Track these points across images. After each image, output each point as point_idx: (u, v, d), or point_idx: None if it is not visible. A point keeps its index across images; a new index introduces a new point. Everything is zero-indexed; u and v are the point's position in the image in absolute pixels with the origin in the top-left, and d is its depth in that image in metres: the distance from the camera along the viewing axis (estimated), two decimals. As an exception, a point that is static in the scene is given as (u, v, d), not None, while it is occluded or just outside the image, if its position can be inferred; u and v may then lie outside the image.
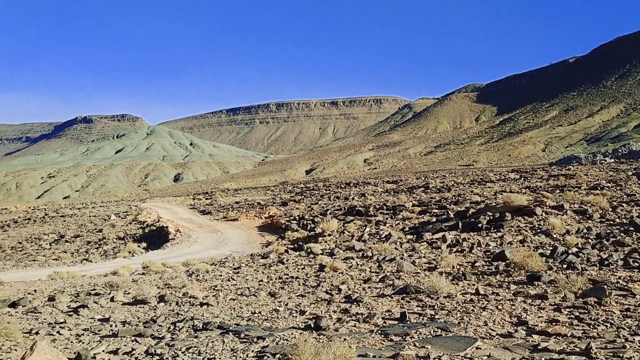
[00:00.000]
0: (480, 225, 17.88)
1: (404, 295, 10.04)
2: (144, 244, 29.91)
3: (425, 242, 17.26)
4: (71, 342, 7.65)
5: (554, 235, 15.59)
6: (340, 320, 8.47)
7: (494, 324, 7.77)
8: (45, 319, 9.33)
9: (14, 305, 10.62)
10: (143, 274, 16.59)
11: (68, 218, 48.72)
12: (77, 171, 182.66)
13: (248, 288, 12.06)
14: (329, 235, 22.89)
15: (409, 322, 8.08)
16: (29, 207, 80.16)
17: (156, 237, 32.86)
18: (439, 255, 14.43)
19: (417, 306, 9.25)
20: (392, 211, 26.80)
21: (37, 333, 8.02)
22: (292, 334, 7.49)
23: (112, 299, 10.79)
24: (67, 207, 71.09)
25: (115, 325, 8.60)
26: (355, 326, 8.07)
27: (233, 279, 13.74)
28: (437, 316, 8.40)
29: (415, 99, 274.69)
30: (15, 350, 7.08)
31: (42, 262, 26.90)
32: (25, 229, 43.79)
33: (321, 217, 29.30)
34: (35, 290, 13.31)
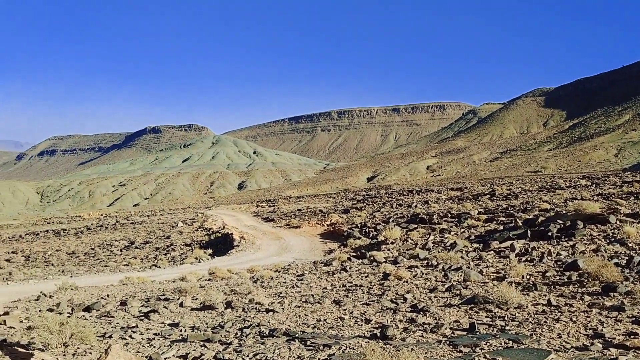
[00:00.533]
0: (550, 233, 17.25)
1: (472, 305, 9.79)
2: (209, 251, 30.57)
3: (492, 251, 16.80)
4: (143, 346, 7.87)
5: (630, 245, 14.85)
6: (406, 330, 8.34)
7: (569, 336, 7.45)
8: (118, 323, 9.65)
9: (88, 309, 11.05)
10: (210, 280, 16.93)
11: (138, 225, 50.41)
12: (146, 180, 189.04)
13: (312, 295, 12.08)
14: (392, 243, 22.67)
15: (478, 333, 7.86)
16: (101, 215, 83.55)
17: (221, 244, 33.50)
18: (508, 265, 14.00)
19: (486, 317, 8.99)
20: (456, 219, 26.29)
21: (110, 337, 8.31)
22: (358, 342, 7.43)
23: (181, 305, 11.06)
24: (136, 214, 73.61)
25: (185, 330, 8.79)
26: (422, 336, 7.93)
27: (297, 286, 13.80)
28: (507, 327, 8.13)
29: (480, 104, 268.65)
30: (90, 353, 7.35)
31: (114, 268, 27.92)
32: (98, 235, 45.62)
33: (383, 224, 29.07)
34: (107, 295, 13.80)
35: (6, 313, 10.27)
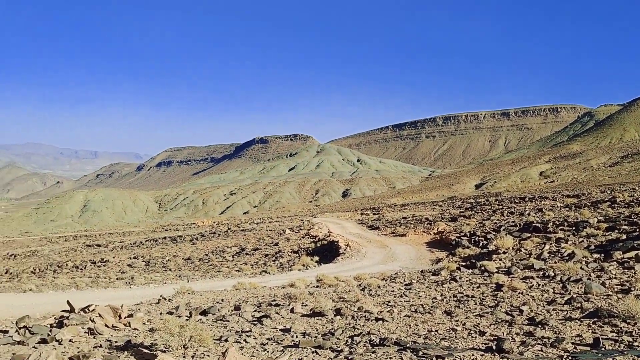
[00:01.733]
0: (682, 243, 15.84)
1: (595, 319, 9.14)
2: (316, 258, 30.94)
3: (615, 262, 15.66)
4: (257, 350, 8.06)
5: None
6: (524, 344, 7.93)
7: None
8: (232, 327, 9.96)
9: (204, 313, 11.51)
10: (318, 286, 17.11)
11: (248, 232, 52.11)
12: (255, 188, 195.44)
13: (422, 305, 11.84)
14: (504, 252, 21.80)
15: (603, 349, 7.32)
16: (214, 222, 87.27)
17: (327, 251, 33.80)
18: (633, 277, 12.98)
19: (611, 332, 8.36)
20: (574, 227, 24.83)
21: (226, 340, 8.57)
22: (473, 355, 7.16)
23: (291, 310, 11.23)
24: (246, 222, 76.19)
25: (296, 336, 8.90)
26: (541, 350, 7.50)
27: (405, 295, 13.59)
28: (636, 344, 7.51)
29: (597, 106, 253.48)
30: (208, 355, 7.62)
31: (226, 273, 29.00)
32: (211, 242, 47.64)
33: (494, 233, 28.05)
34: (222, 300, 14.32)
35: (130, 315, 10.92)
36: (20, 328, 9.93)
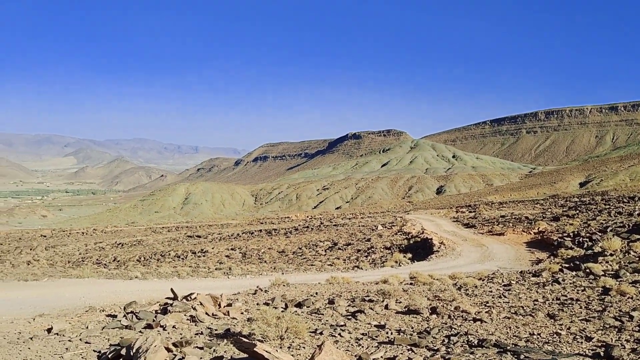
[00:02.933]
0: None
1: None
2: (409, 255, 30.57)
3: None
4: (351, 345, 8.05)
5: None
6: (635, 351, 7.41)
7: None
8: (327, 320, 10.02)
9: (299, 305, 11.66)
10: (411, 284, 16.87)
11: (340, 227, 52.37)
12: (347, 184, 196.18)
13: (522, 307, 11.36)
14: (611, 255, 20.51)
15: None
16: (307, 216, 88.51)
17: (420, 249, 33.29)
18: None
19: None
20: (691, 230, 22.97)
21: (321, 333, 8.63)
22: (579, 361, 6.77)
23: (386, 307, 11.14)
24: (339, 217, 76.65)
25: (391, 333, 8.81)
26: (657, 360, 6.97)
27: (504, 296, 13.10)
28: None
29: None
30: (304, 347, 7.70)
31: (319, 267, 29.29)
32: (304, 236, 48.31)
33: (600, 234, 26.48)
34: (316, 293, 14.46)
35: (229, 304, 11.27)
36: (127, 313, 10.51)
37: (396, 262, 28.41)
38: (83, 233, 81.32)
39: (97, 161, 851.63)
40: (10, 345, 9.11)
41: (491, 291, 14.19)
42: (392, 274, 20.16)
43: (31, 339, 9.45)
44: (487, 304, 11.95)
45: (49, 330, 9.87)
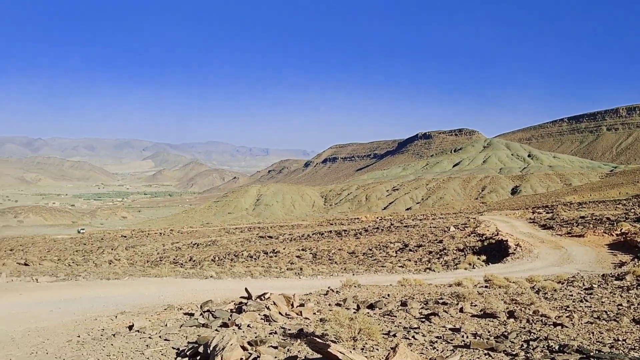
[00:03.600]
0: None
1: None
2: (483, 257, 29.85)
3: None
4: (426, 348, 7.91)
5: None
6: None
7: None
8: (400, 322, 9.91)
9: (371, 306, 11.60)
10: (487, 286, 16.45)
11: (411, 228, 51.84)
12: (418, 184, 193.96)
13: (606, 312, 10.83)
14: None
15: None
16: (377, 217, 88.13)
17: (495, 251, 32.46)
18: None
19: None
20: None
21: (394, 335, 8.54)
22: (671, 371, 6.37)
23: (460, 310, 10.90)
24: (409, 218, 75.89)
25: (467, 337, 8.60)
26: None
27: (586, 300, 12.54)
28: None
29: None
30: (377, 349, 7.64)
31: (390, 269, 29.09)
32: (374, 237, 48.14)
33: (691, 236, 24.95)
34: (388, 295, 14.34)
35: (301, 305, 11.35)
36: (204, 312, 10.79)
37: (470, 264, 27.82)
38: (161, 234, 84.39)
39: (174, 164, 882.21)
40: (94, 341, 9.55)
41: (571, 295, 13.62)
42: (465, 276, 19.74)
43: (114, 335, 9.87)
44: (568, 308, 11.47)
45: (130, 328, 10.27)
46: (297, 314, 10.49)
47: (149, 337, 9.28)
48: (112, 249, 60.57)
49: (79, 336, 10.23)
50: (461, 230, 44.37)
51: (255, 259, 41.75)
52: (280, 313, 10.27)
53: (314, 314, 10.81)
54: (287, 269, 31.52)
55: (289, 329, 9.01)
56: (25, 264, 37.07)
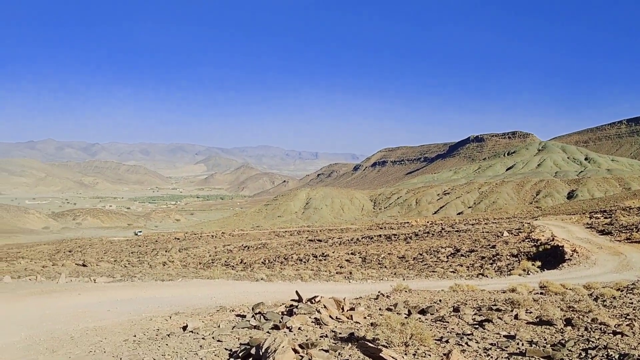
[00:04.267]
0: None
1: None
2: (538, 263, 29.07)
3: None
4: (479, 355, 7.76)
5: None
6: None
7: None
8: (452, 328, 9.75)
9: (423, 312, 11.46)
10: (542, 293, 16.01)
11: (462, 233, 51.02)
12: (470, 188, 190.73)
13: (670, 321, 10.37)
14: None
15: None
16: (427, 222, 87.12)
17: (551, 256, 31.56)
18: None
19: None
20: None
21: (447, 341, 8.41)
22: None
23: (515, 317, 10.64)
24: (461, 222, 74.69)
25: (522, 344, 8.39)
26: None
27: (648, 309, 12.04)
28: None
29: None
30: (429, 355, 7.54)
31: (441, 274, 28.69)
32: (425, 241, 47.58)
33: None
34: (440, 300, 14.15)
35: (352, 309, 11.33)
36: (256, 314, 10.91)
37: (524, 270, 27.15)
38: (212, 236, 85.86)
39: (225, 168, 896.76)
40: (149, 341, 9.80)
41: (631, 303, 13.10)
42: (520, 282, 19.27)
43: (168, 335, 10.10)
44: (628, 317, 11.04)
45: (184, 328, 10.48)
46: (348, 318, 10.47)
47: (202, 338, 9.46)
48: (165, 251, 62.01)
49: (135, 336, 10.52)
50: (515, 235, 43.34)
51: (304, 262, 41.93)
52: (330, 316, 10.27)
53: (365, 318, 10.77)
54: (337, 273, 31.53)
55: (340, 333, 9.00)
56: (84, 265, 38.37)
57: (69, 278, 24.08)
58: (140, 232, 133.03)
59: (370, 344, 6.62)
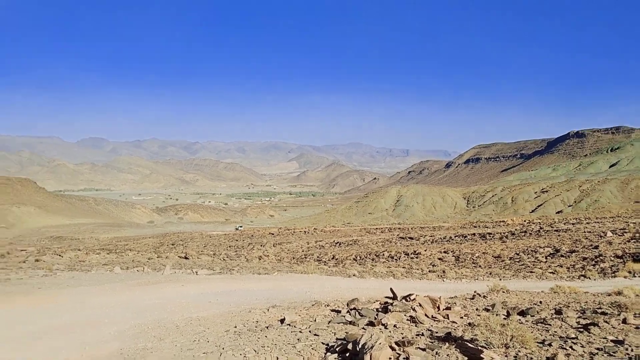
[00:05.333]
0: None
1: None
2: (647, 265, 27.33)
3: None
4: (585, 359, 7.46)
5: None
6: None
7: None
8: (555, 331, 9.39)
9: (522, 313, 11.11)
10: (653, 297, 15.07)
11: (562, 233, 48.83)
12: (570, 186, 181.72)
13: None
14: None
15: None
16: (524, 221, 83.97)
17: (660, 259, 29.55)
18: None
19: None
20: None
21: (550, 345, 8.11)
22: None
23: (623, 321, 10.09)
24: (560, 221, 71.40)
25: (631, 350, 7.95)
26: None
27: None
28: None
29: None
30: (532, 358, 7.33)
31: (539, 275, 27.63)
32: (522, 241, 45.94)
33: None
34: (540, 302, 13.65)
35: (448, 308, 11.19)
36: (351, 309, 11.04)
37: (630, 272, 25.61)
38: (305, 232, 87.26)
39: (316, 165, 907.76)
40: (249, 332, 10.18)
41: None
42: (626, 285, 18.20)
43: (267, 328, 10.45)
44: None
45: (282, 321, 10.79)
46: (444, 317, 10.36)
47: (300, 332, 9.71)
48: (261, 246, 63.76)
49: (235, 327, 10.97)
50: (620, 235, 40.90)
51: (396, 259, 41.69)
52: (426, 315, 10.21)
53: (461, 318, 10.61)
54: (429, 271, 31.12)
55: (436, 332, 8.93)
56: (186, 258, 40.23)
57: (173, 270, 25.40)
58: (241, 226, 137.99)
59: (469, 344, 6.54)
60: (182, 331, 10.93)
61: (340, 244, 60.66)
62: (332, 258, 46.10)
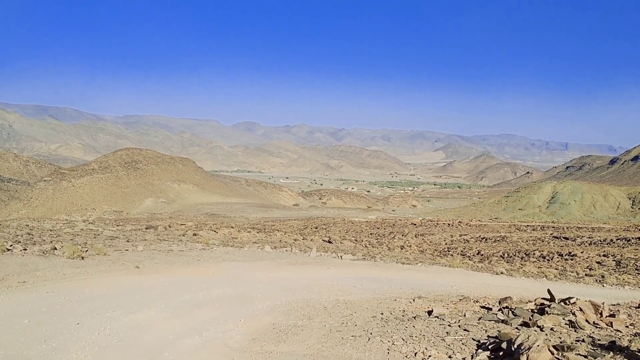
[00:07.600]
0: None
1: None
2: None
3: None
4: None
5: None
6: None
7: None
8: None
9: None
10: None
11: None
12: None
13: None
14: None
15: None
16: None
17: None
18: None
19: None
20: None
21: None
22: None
23: None
24: None
25: None
26: None
27: None
28: None
29: None
30: None
31: None
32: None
33: None
34: None
35: (612, 315, 10.33)
36: (503, 308, 10.61)
37: None
38: (449, 224, 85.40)
39: (464, 156, 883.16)
40: (396, 320, 10.18)
41: None
42: None
43: (414, 318, 10.38)
44: None
45: (429, 313, 10.65)
46: (607, 325, 9.57)
47: (448, 325, 9.51)
48: (402, 235, 63.48)
49: (382, 314, 11.02)
50: None
51: (548, 259, 39.36)
52: (587, 321, 9.50)
53: (627, 327, 9.74)
54: (586, 275, 29.00)
55: (598, 339, 8.27)
56: (329, 242, 41.27)
57: (318, 252, 26.16)
58: (393, 210, 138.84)
59: (639, 355, 5.97)
60: (330, 313, 11.21)
61: (486, 240, 58.54)
62: (477, 253, 44.66)
